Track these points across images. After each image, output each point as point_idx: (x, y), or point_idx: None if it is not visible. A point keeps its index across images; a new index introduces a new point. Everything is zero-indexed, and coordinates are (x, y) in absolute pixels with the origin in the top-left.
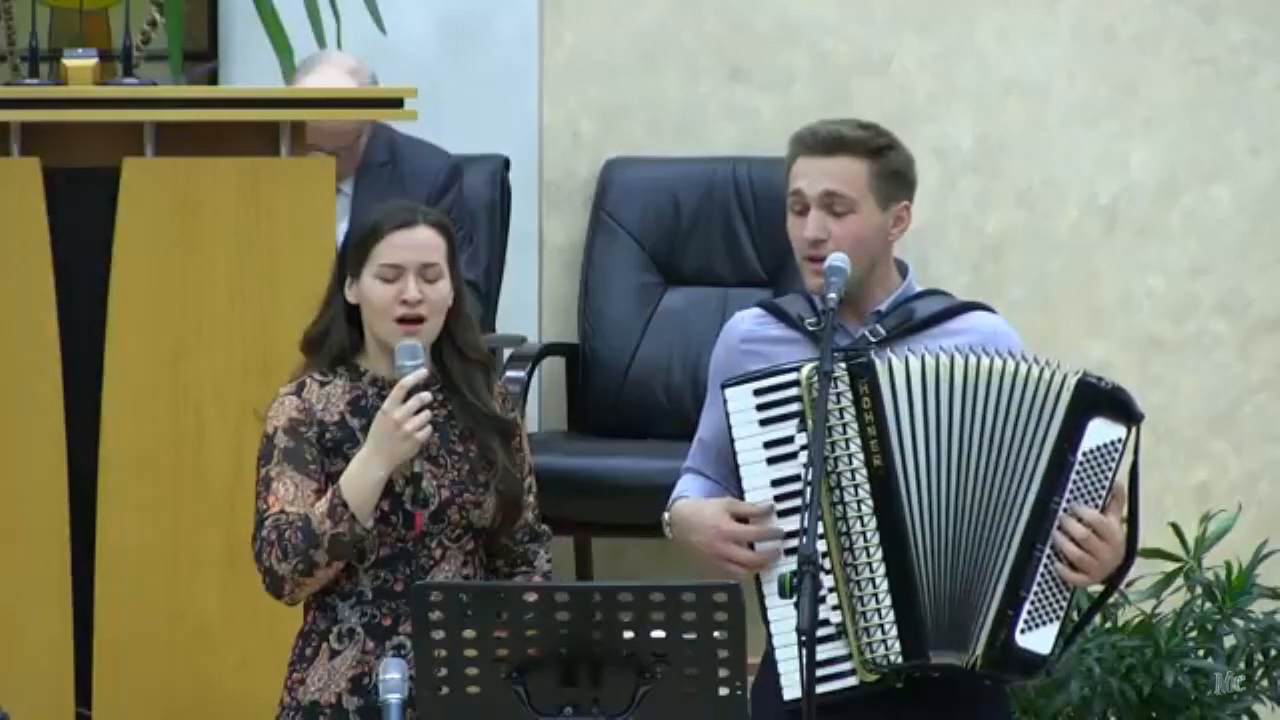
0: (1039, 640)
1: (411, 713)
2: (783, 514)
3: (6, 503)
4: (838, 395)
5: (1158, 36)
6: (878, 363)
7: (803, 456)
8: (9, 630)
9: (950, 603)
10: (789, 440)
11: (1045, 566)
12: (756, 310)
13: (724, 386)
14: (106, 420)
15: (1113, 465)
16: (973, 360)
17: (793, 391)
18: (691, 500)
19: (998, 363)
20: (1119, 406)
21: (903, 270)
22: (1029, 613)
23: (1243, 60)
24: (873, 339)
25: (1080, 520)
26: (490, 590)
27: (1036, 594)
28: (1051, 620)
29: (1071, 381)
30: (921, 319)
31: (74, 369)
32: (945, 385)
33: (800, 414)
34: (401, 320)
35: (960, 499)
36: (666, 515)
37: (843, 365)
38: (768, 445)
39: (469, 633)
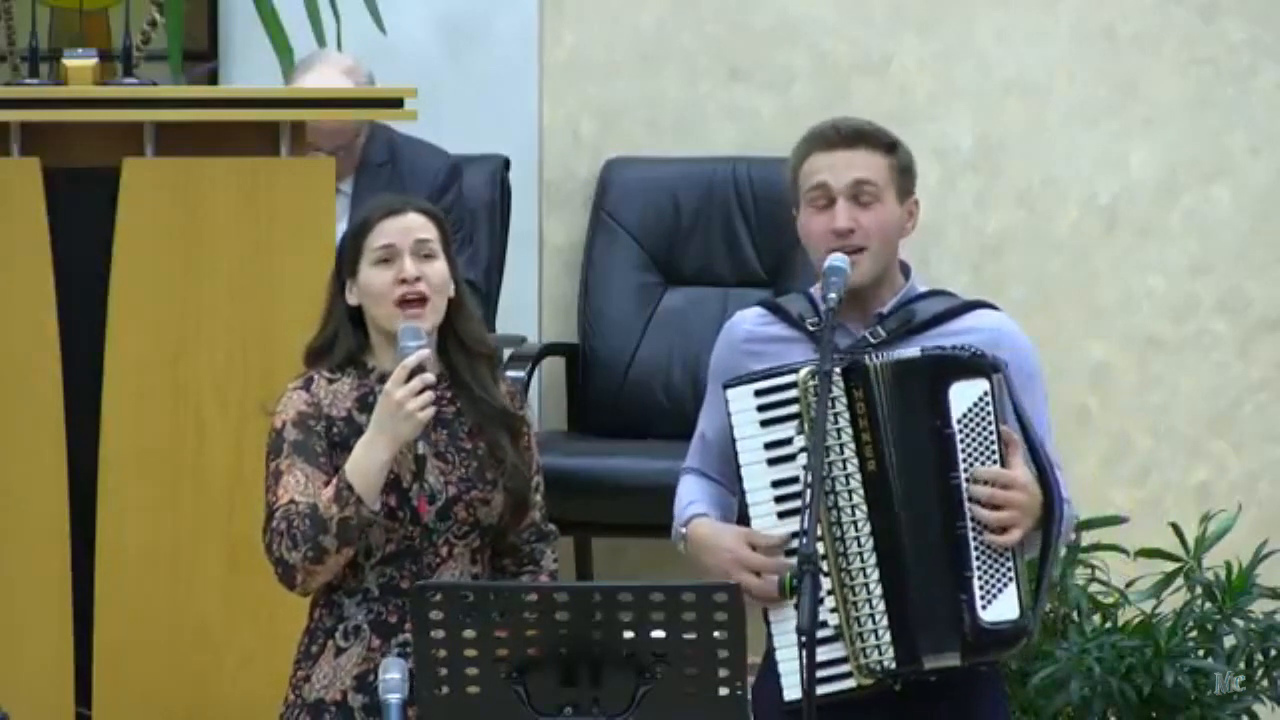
0: (1002, 609)
1: (412, 710)
2: (783, 515)
3: (6, 503)
4: (832, 400)
5: (1158, 36)
6: (869, 365)
7: (801, 458)
8: (9, 630)
9: (935, 604)
10: (788, 441)
11: (975, 540)
12: (758, 309)
13: (726, 387)
14: (106, 420)
15: (989, 420)
16: (901, 357)
17: (791, 393)
18: (710, 523)
19: (897, 358)
20: (969, 365)
21: (905, 271)
22: (981, 588)
23: (1243, 60)
24: (873, 340)
25: (982, 482)
26: (490, 590)
27: (980, 568)
28: (1006, 584)
29: (919, 358)
30: (923, 320)
31: (74, 369)
32: (898, 384)
33: (799, 415)
34: (403, 302)
35: (925, 497)
36: (683, 530)
37: (837, 369)
38: (768, 446)
39: (469, 633)
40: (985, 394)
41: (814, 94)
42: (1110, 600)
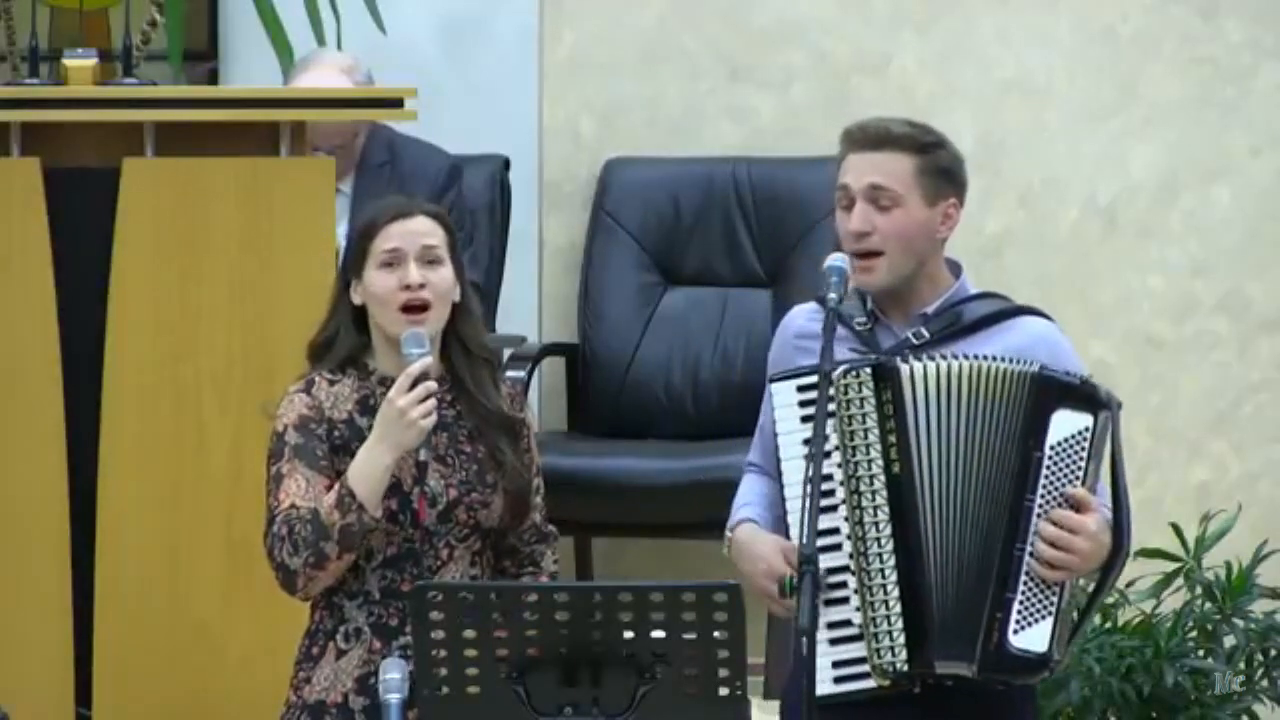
0: (1033, 639)
1: (412, 713)
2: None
3: (6, 502)
4: (861, 400)
5: (1158, 36)
6: (902, 367)
7: (836, 455)
8: (9, 630)
9: (958, 610)
10: (826, 438)
11: (1028, 565)
12: (812, 305)
13: (771, 381)
14: (106, 420)
15: (1082, 456)
16: (979, 364)
17: (829, 390)
18: (751, 529)
19: (988, 365)
20: (1081, 397)
21: (955, 271)
22: (1019, 613)
23: (1243, 60)
24: (916, 341)
25: (1052, 522)
26: (490, 590)
27: (1024, 594)
28: (1044, 617)
29: (1032, 375)
30: (968, 323)
31: (74, 369)
32: (955, 390)
33: (835, 413)
34: (407, 308)
35: (965, 505)
36: (729, 534)
37: (868, 369)
38: (807, 442)
39: (469, 633)
40: (1086, 429)
41: (814, 94)
42: (1110, 600)
